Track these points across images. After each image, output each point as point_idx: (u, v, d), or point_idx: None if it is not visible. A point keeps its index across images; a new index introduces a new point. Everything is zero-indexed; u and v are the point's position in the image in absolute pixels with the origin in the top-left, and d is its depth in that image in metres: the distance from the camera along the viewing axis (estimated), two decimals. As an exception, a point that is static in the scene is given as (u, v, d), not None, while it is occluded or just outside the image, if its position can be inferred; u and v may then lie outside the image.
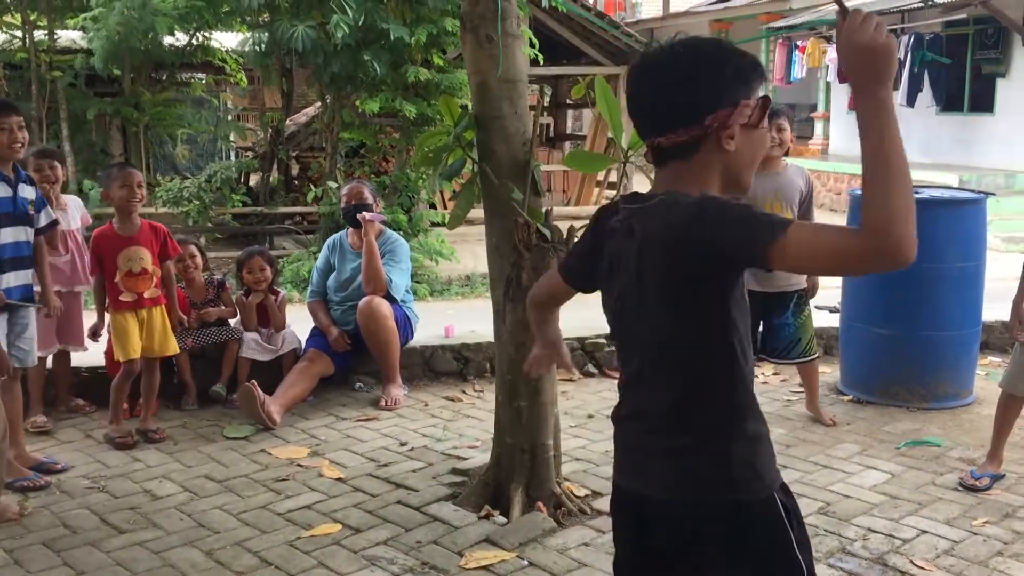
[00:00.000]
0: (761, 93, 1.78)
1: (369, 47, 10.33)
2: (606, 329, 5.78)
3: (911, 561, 3.37)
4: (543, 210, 3.65)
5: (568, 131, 17.42)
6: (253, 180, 13.20)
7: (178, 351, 4.83)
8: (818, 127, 19.43)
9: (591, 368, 5.78)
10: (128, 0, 9.93)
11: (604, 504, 3.78)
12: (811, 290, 4.91)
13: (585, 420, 4.93)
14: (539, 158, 4.19)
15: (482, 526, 3.64)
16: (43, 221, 4.21)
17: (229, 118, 13.90)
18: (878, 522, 3.70)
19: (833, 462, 4.33)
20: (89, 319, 4.85)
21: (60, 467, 4.23)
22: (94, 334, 4.70)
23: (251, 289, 5.34)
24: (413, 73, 10.27)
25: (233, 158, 13.94)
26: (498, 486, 3.82)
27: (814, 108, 19.86)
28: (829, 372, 5.62)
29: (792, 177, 4.81)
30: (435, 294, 10.61)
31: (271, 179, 11.93)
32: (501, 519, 3.68)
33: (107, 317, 4.67)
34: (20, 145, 4.02)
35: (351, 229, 5.48)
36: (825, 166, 16.76)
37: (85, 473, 4.23)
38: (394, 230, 10.46)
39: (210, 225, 11.57)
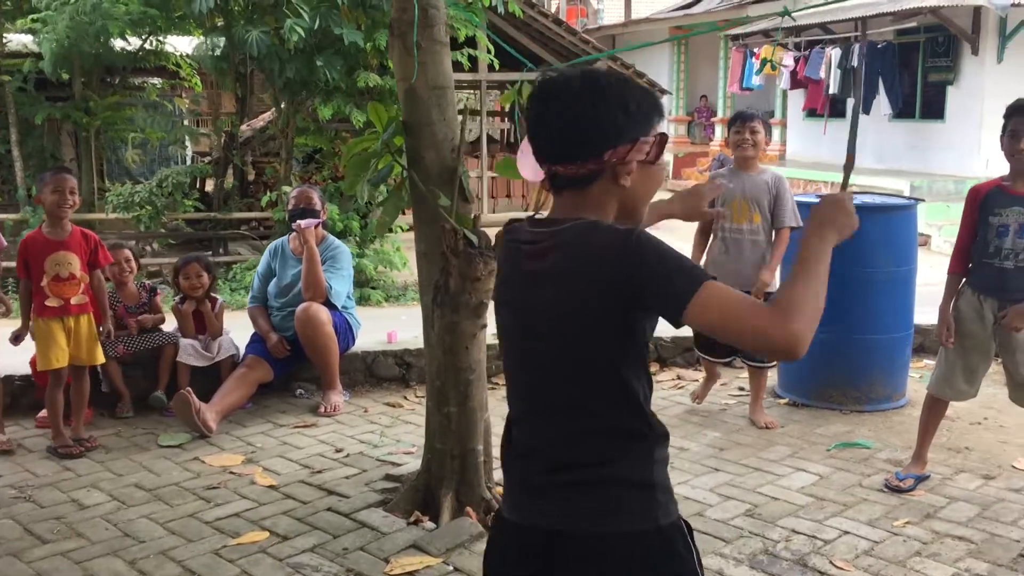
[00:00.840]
0: (660, 129, 1.81)
1: (323, 52, 10.30)
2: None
3: (831, 562, 3.42)
4: (471, 216, 3.67)
5: (528, 137, 17.52)
6: (210, 185, 13.11)
7: (103, 360, 4.74)
8: (775, 133, 19.62)
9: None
10: (78, 4, 9.82)
11: (534, 509, 3.81)
12: (761, 283, 4.83)
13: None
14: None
15: (410, 532, 3.65)
16: None
17: (185, 123, 13.79)
18: (803, 523, 3.75)
19: (764, 464, 4.39)
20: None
21: None
22: (16, 338, 4.61)
23: (187, 296, 5.31)
24: (364, 79, 10.26)
25: (189, 163, 13.83)
26: (428, 492, 3.83)
27: (771, 115, 20.06)
28: (770, 376, 5.67)
29: (764, 180, 4.86)
30: (390, 299, 10.64)
31: (225, 184, 11.85)
32: (430, 525, 3.69)
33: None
34: None
35: (293, 235, 5.47)
36: (782, 171, 16.92)
37: (12, 483, 4.18)
38: (344, 237, 10.47)
39: (163, 231, 11.46)
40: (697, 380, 5.46)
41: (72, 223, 4.65)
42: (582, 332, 1.74)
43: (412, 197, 3.69)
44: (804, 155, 18.22)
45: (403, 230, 11.94)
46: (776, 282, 4.78)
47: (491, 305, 3.42)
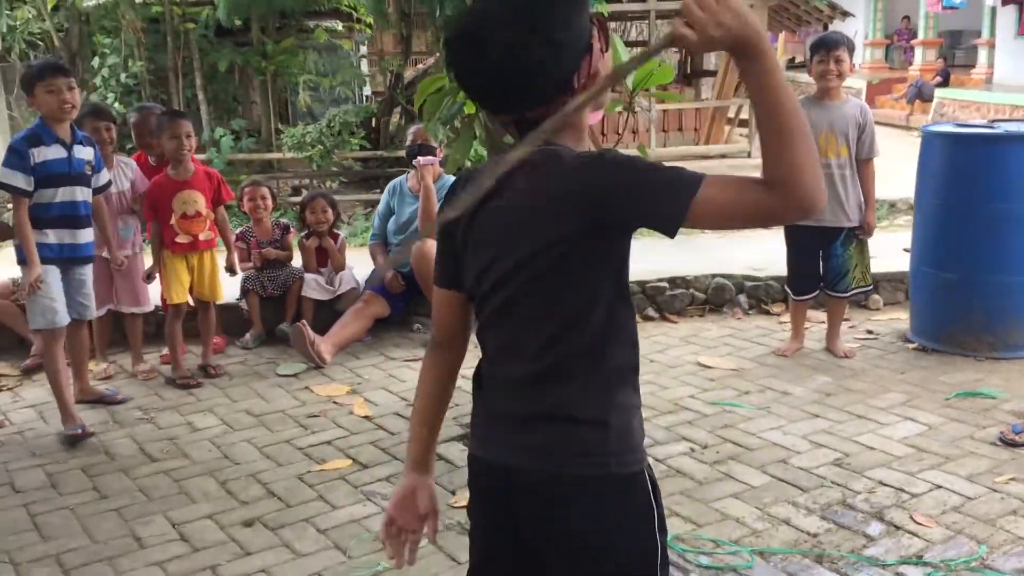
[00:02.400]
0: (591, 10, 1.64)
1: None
2: (668, 272, 5.72)
3: (911, 516, 3.22)
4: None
5: (704, 68, 16.86)
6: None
7: (222, 299, 5.02)
8: (982, 54, 18.07)
9: (651, 312, 5.70)
10: (248, -49, 10.27)
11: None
12: (867, 227, 4.73)
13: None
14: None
15: (482, 466, 3.70)
16: (101, 181, 4.44)
17: (355, 64, 14.18)
18: (893, 475, 3.54)
19: (870, 412, 4.15)
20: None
21: (119, 399, 4.56)
22: (148, 277, 4.97)
23: (312, 231, 5.54)
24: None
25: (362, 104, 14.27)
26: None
27: (978, 34, 18.47)
28: (904, 319, 5.33)
29: (849, 111, 4.65)
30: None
31: (390, 124, 12.17)
32: (503, 460, 3.74)
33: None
34: (71, 106, 4.13)
35: (411, 172, 5.57)
36: (989, 97, 15.57)
37: (140, 405, 4.56)
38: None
39: (334, 169, 11.94)
40: (823, 322, 5.20)
41: (197, 162, 4.92)
42: (555, 259, 1.62)
43: (484, 133, 3.67)
44: (1015, 79, 16.67)
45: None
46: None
47: None
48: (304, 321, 5.01)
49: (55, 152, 4.14)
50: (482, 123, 3.69)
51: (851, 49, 4.67)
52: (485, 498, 1.82)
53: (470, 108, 3.67)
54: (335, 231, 5.63)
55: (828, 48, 4.60)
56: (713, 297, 5.77)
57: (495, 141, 3.62)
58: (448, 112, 3.62)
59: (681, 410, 4.28)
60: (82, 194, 4.27)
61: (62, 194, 4.18)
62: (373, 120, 12.89)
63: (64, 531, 3.34)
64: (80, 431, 4.10)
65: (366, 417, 4.31)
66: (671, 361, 4.95)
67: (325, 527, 3.31)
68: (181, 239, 4.80)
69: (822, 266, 4.84)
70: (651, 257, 5.55)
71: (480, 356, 1.80)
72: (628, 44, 12.45)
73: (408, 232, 5.47)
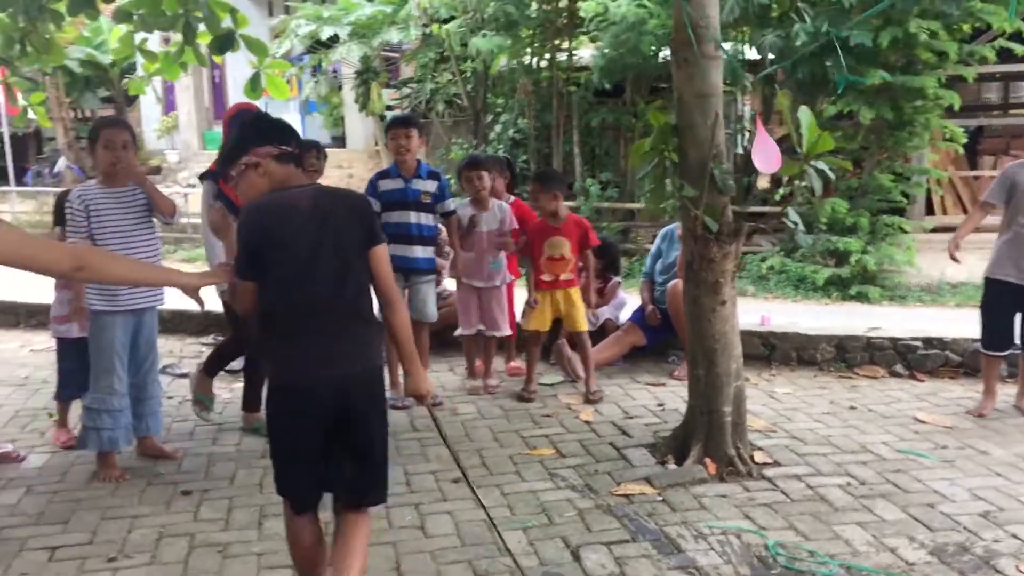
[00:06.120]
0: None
1: (831, 53, 10.66)
2: (923, 332, 5.88)
3: (1017, 567, 3.36)
4: (721, 207, 4.23)
5: None
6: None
7: (585, 328, 5.67)
8: None
9: (899, 368, 5.85)
10: (620, 24, 11.51)
11: (774, 473, 4.27)
12: None
13: (844, 411, 5.20)
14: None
15: (652, 469, 4.35)
16: (447, 208, 5.53)
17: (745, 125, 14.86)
18: (1031, 533, 3.63)
19: (1051, 474, 4.16)
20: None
21: (439, 400, 5.52)
22: (528, 304, 5.69)
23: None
24: (873, 76, 10.37)
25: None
26: (684, 441, 4.47)
27: None
28: None
29: None
30: (894, 298, 10.45)
31: (747, 181, 12.74)
32: (673, 467, 4.35)
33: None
34: (405, 150, 5.35)
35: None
36: None
37: (479, 409, 5.57)
38: (852, 232, 10.72)
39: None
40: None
41: (570, 211, 5.78)
42: (354, 251, 2.89)
43: (676, 188, 4.36)
44: None
45: (927, 230, 11.75)
46: None
47: (727, 283, 4.04)
48: (563, 340, 5.91)
49: (394, 184, 5.42)
50: (672, 178, 4.38)
51: None
52: (316, 401, 2.88)
53: (661, 167, 4.38)
54: (607, 275, 6.47)
55: None
56: (970, 360, 5.78)
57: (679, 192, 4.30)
58: (644, 169, 4.36)
59: (864, 452, 4.56)
60: (415, 217, 5.43)
61: (414, 217, 5.40)
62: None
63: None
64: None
65: (586, 422, 5.11)
66: (889, 412, 5.16)
67: (508, 492, 4.17)
68: (545, 277, 5.59)
69: (1019, 324, 4.91)
70: (911, 319, 5.77)
71: None
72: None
73: (671, 273, 6.17)
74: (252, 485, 4.31)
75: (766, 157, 4.10)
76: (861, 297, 10.61)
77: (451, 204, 5.59)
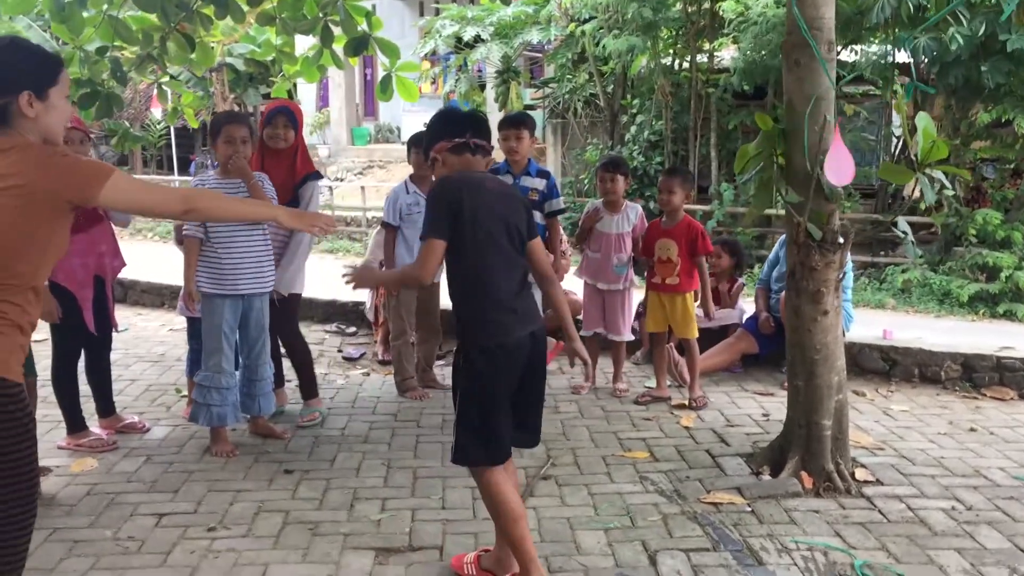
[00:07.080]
0: None
1: (990, 57, 10.14)
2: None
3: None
4: (827, 213, 4.10)
5: None
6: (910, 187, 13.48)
7: (694, 336, 5.51)
8: None
9: (1031, 391, 5.54)
10: (760, 24, 11.26)
11: (873, 491, 4.13)
12: None
13: (962, 433, 4.95)
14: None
15: (745, 479, 4.26)
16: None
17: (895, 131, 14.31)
18: None
19: None
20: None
21: None
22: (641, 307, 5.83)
23: (712, 272, 6.30)
24: (1029, 81, 9.81)
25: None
26: (781, 452, 4.36)
27: None
28: None
29: None
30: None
31: (891, 188, 12.24)
32: (767, 478, 4.25)
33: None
34: (515, 151, 5.45)
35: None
36: None
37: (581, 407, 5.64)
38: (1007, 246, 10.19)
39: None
40: None
41: (687, 214, 5.64)
42: None
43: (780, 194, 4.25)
44: None
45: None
46: None
47: (829, 292, 3.96)
48: (672, 345, 5.84)
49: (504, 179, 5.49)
50: (777, 186, 4.27)
51: None
52: (514, 357, 3.12)
53: (769, 171, 4.28)
54: (735, 276, 6.35)
55: None
56: None
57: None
58: (748, 175, 4.27)
59: (977, 476, 4.33)
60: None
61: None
62: (876, 182, 13.02)
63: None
64: None
65: (686, 427, 5.04)
66: (1013, 437, 4.88)
67: (596, 492, 4.16)
68: (655, 279, 5.59)
69: None
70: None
71: None
72: None
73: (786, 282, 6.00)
74: (350, 468, 4.47)
75: (838, 168, 3.95)
76: (1010, 315, 10.06)
77: (557, 204, 5.62)
